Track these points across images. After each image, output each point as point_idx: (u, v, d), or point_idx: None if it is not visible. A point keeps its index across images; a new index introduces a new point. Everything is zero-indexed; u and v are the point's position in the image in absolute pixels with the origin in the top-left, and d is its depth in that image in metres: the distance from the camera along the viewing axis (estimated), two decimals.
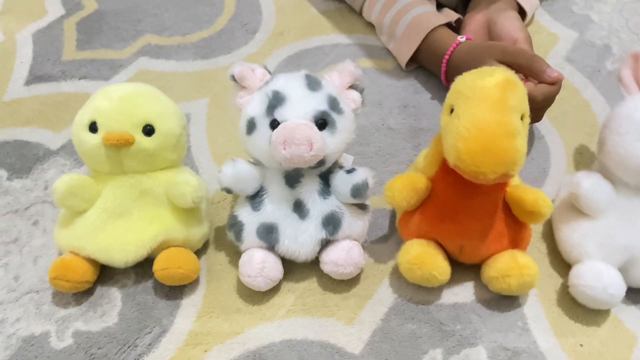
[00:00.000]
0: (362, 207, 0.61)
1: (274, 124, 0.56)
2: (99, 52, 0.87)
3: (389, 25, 0.83)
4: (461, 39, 0.74)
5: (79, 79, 0.83)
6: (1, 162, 0.74)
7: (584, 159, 0.73)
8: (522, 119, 0.52)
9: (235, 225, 0.60)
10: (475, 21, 0.79)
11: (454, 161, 0.51)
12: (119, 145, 0.56)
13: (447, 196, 0.57)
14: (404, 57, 0.80)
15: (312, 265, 0.62)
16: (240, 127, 0.59)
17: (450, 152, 0.51)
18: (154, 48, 0.88)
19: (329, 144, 0.56)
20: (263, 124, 0.56)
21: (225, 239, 0.65)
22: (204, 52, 0.87)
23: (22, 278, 0.63)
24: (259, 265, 0.58)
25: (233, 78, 0.59)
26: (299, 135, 0.54)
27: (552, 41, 0.88)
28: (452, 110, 0.53)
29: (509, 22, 0.75)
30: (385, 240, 0.65)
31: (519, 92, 0.52)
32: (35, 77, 0.84)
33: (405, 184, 0.57)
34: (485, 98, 0.51)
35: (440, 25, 0.77)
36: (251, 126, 0.57)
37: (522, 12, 0.84)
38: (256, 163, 0.60)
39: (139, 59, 0.86)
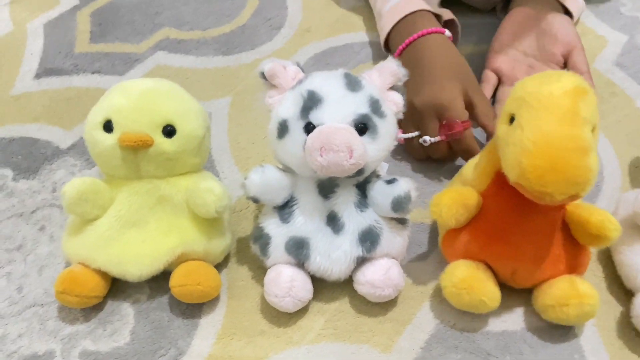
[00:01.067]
0: (402, 221, 0.55)
1: (309, 128, 0.50)
2: (114, 46, 0.82)
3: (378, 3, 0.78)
4: (447, 33, 0.69)
5: (92, 74, 0.78)
6: (7, 161, 0.68)
7: None
8: (592, 131, 0.46)
9: (261, 238, 0.55)
10: (523, 13, 0.73)
11: (517, 178, 0.45)
12: (136, 147, 0.51)
13: (500, 214, 0.51)
14: (383, 35, 0.75)
15: (344, 285, 0.56)
16: (269, 130, 0.54)
17: (512, 167, 0.45)
18: (172, 42, 0.83)
19: (369, 151, 0.50)
20: (296, 127, 0.51)
21: (248, 252, 0.59)
22: (225, 47, 0.82)
23: (25, 289, 0.57)
24: (287, 284, 0.53)
25: (263, 75, 0.54)
26: (338, 141, 0.48)
27: (600, 45, 0.82)
28: (511, 119, 0.47)
29: (564, 27, 0.70)
30: (424, 258, 0.59)
31: (590, 101, 0.46)
32: (45, 71, 0.79)
33: (455, 200, 0.51)
34: (553, 108, 0.44)
35: (427, 12, 0.71)
36: (283, 129, 0.51)
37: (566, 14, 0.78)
38: (286, 170, 0.54)
39: (156, 54, 0.81)
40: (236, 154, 0.69)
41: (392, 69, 0.54)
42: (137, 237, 0.53)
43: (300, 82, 0.53)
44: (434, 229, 0.62)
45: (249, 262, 0.59)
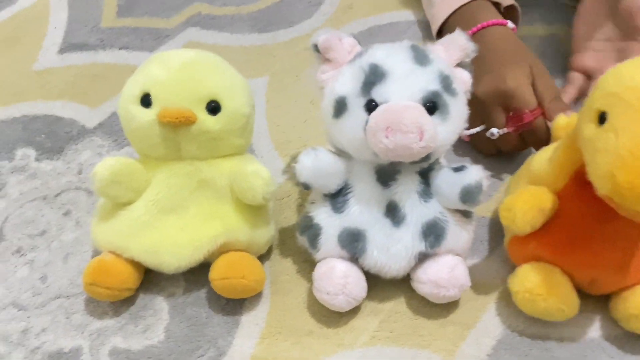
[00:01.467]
0: (467, 214, 0.50)
1: (371, 106, 0.45)
2: (143, 20, 0.77)
3: None
4: (510, 25, 0.62)
5: (119, 49, 0.73)
6: (29, 140, 0.63)
7: None
8: None
9: (310, 229, 0.49)
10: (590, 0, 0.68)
11: (607, 192, 0.38)
12: (178, 124, 0.45)
13: (579, 218, 0.45)
14: (436, 24, 0.67)
15: (399, 283, 0.50)
16: (323, 109, 0.48)
17: (603, 179, 0.38)
18: (205, 18, 0.77)
19: (439, 133, 0.45)
20: (356, 104, 0.45)
21: (292, 244, 0.54)
22: (261, 24, 0.76)
23: (50, 279, 0.52)
24: (340, 280, 0.47)
25: (316, 48, 0.49)
26: (408, 121, 0.42)
27: None
28: (601, 118, 0.39)
29: None
30: (487, 256, 0.54)
31: None
32: (70, 45, 0.73)
33: (530, 204, 0.44)
34: None
35: (486, 1, 0.64)
36: (340, 107, 0.46)
37: None
38: (340, 154, 0.49)
39: (187, 30, 0.75)
40: (275, 137, 0.64)
41: (460, 42, 0.48)
42: (175, 223, 0.48)
43: (359, 55, 0.47)
44: (494, 223, 0.57)
45: (293, 255, 0.54)
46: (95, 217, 0.50)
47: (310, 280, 0.52)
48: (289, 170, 0.49)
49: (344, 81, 0.46)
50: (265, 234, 0.51)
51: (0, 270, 0.53)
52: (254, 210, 0.50)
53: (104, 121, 0.65)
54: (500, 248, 0.54)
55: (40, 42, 0.74)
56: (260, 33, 0.75)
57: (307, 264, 0.53)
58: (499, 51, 0.58)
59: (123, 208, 0.48)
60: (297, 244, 0.53)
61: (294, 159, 0.49)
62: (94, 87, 0.69)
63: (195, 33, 0.75)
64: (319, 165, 0.47)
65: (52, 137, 0.63)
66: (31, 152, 0.62)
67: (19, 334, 0.49)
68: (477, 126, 0.57)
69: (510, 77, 0.55)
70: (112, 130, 0.64)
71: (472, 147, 0.61)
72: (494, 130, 0.56)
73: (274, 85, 0.69)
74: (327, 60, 0.49)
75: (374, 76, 0.45)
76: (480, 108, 0.56)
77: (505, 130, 0.55)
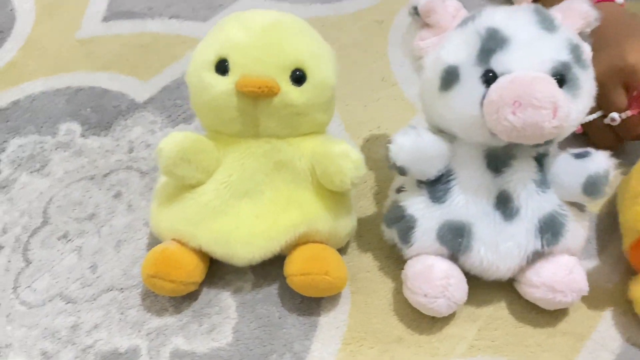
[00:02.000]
0: (582, 208, 0.43)
1: (489, 77, 0.38)
2: None
3: None
4: (618, 0, 0.54)
5: (169, 18, 0.66)
6: (74, 113, 0.57)
7: None
8: None
9: (401, 221, 0.43)
10: None
11: None
12: (260, 95, 0.39)
13: None
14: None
15: (500, 285, 0.44)
16: (424, 81, 0.42)
17: None
18: None
19: (571, 111, 0.39)
20: (470, 75, 0.38)
21: (370, 237, 0.48)
22: None
23: (100, 269, 0.47)
24: (441, 281, 0.41)
25: (415, 11, 0.42)
26: (540, 94, 0.36)
27: None
28: None
29: None
30: (597, 257, 0.47)
31: None
32: (115, 13, 0.67)
33: None
34: None
35: None
36: (450, 78, 0.39)
37: None
38: (441, 134, 0.43)
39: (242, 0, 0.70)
40: (346, 118, 0.57)
41: (581, 9, 0.41)
42: (249, 210, 0.42)
43: (471, 18, 0.41)
44: (602, 220, 0.50)
45: (373, 249, 0.48)
46: (155, 201, 0.44)
47: (394, 278, 0.46)
48: (387, 153, 0.43)
49: (454, 48, 0.40)
50: (347, 225, 0.45)
51: (45, 256, 0.47)
52: (336, 197, 0.44)
53: (155, 95, 0.59)
54: (611, 248, 0.47)
55: (83, 9, 0.68)
56: (323, 3, 0.68)
57: (390, 261, 0.47)
58: (614, 25, 0.50)
59: (190, 191, 0.42)
60: (377, 237, 0.47)
61: (388, 141, 0.43)
62: (142, 58, 0.62)
63: (251, 3, 0.68)
64: (420, 146, 0.41)
65: (99, 111, 0.57)
66: (76, 127, 0.56)
67: (68, 330, 0.43)
68: (593, 113, 0.50)
69: (631, 50, 0.48)
70: (165, 105, 0.58)
71: (585, 139, 0.53)
72: (615, 114, 0.48)
73: (341, 62, 0.61)
74: (426, 25, 0.43)
75: (493, 42, 0.38)
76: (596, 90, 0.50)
77: (628, 113, 0.48)
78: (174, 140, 0.41)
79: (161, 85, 0.59)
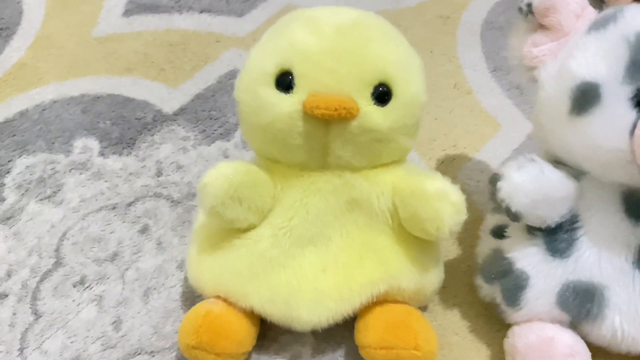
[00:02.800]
0: None
1: None
2: None
3: None
4: None
5: (200, 13, 0.58)
6: (91, 127, 0.49)
7: None
8: None
9: (508, 277, 0.34)
10: None
11: None
12: (334, 118, 0.31)
13: None
14: None
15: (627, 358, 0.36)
16: (545, 99, 0.33)
17: None
18: None
19: None
20: (617, 96, 0.29)
21: (456, 287, 0.39)
22: None
23: (126, 325, 0.38)
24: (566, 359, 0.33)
25: (528, 9, 0.34)
26: None
27: None
28: None
29: None
30: None
31: None
32: (138, 6, 0.58)
33: None
34: None
35: None
36: (587, 98, 0.30)
37: None
38: (560, 166, 0.34)
39: None
40: None
41: None
42: (314, 262, 0.33)
43: (610, 19, 0.31)
44: None
45: (461, 304, 0.39)
46: (194, 246, 0.36)
47: (490, 343, 0.37)
48: (490, 191, 0.34)
49: (590, 60, 0.31)
50: (435, 279, 0.35)
51: (58, 308, 0.39)
52: (422, 245, 0.35)
53: (186, 105, 0.50)
54: None
55: (101, 1, 0.59)
56: None
57: (483, 320, 0.38)
58: None
59: (239, 236, 0.34)
60: (464, 288, 0.39)
61: (495, 175, 0.34)
62: (170, 60, 0.53)
63: None
64: (542, 186, 0.31)
65: (120, 124, 0.49)
66: (94, 144, 0.48)
67: None
68: None
69: None
70: (198, 117, 0.49)
71: None
72: None
73: None
74: (542, 27, 0.34)
75: None
76: None
77: None
78: (222, 173, 0.32)
79: (193, 92, 0.51)
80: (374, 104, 0.32)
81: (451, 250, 0.41)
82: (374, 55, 0.31)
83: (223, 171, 0.32)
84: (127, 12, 0.58)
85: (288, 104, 0.31)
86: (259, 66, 0.32)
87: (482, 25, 0.56)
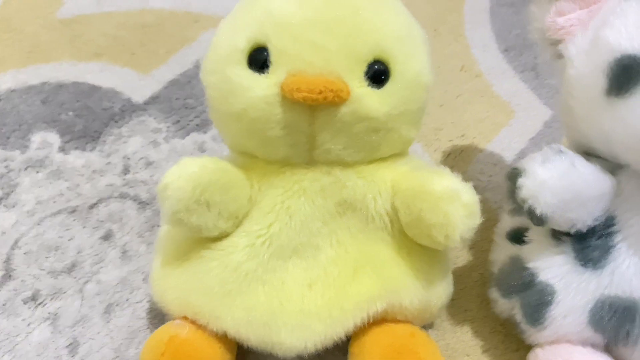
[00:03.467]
0: None
1: None
2: None
3: None
4: None
5: None
6: (52, 119, 0.43)
7: None
8: None
9: (530, 290, 0.28)
10: None
11: None
12: (319, 103, 0.26)
13: None
14: None
15: None
16: (574, 78, 0.27)
17: None
18: None
19: None
20: None
21: (467, 300, 0.34)
22: None
23: (83, 348, 0.32)
24: None
25: None
26: None
27: None
28: None
29: None
30: None
31: None
32: None
33: None
34: None
35: None
36: (631, 75, 0.24)
37: None
38: (593, 159, 0.29)
39: None
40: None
41: None
42: (299, 276, 0.28)
43: None
44: None
45: (472, 320, 0.33)
46: (158, 258, 0.30)
47: None
48: (509, 189, 0.29)
49: (633, 28, 0.26)
50: (442, 293, 0.30)
51: (5, 328, 0.33)
52: (429, 255, 0.29)
53: (158, 93, 0.45)
54: None
55: None
56: None
57: (497, 337, 0.33)
58: None
59: (209, 246, 0.28)
60: (476, 300, 0.34)
61: (514, 170, 0.29)
62: (143, 43, 0.49)
63: None
64: (574, 183, 0.26)
65: (85, 116, 0.43)
66: (54, 138, 0.42)
67: None
68: None
69: None
70: (172, 106, 0.44)
71: None
72: None
73: None
74: None
75: None
76: None
77: None
78: (186, 172, 0.27)
79: (167, 79, 0.46)
80: (369, 85, 0.26)
81: (461, 256, 0.36)
82: (367, 26, 0.26)
83: (187, 169, 0.27)
84: None
85: (263, 86, 0.26)
86: (228, 41, 0.27)
87: (491, 1, 0.50)
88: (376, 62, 0.26)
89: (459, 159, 0.41)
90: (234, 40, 0.27)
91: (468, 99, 0.44)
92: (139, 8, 0.51)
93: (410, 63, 0.27)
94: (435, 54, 0.47)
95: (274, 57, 0.26)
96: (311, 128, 0.26)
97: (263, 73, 0.26)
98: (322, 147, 0.27)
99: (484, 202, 0.37)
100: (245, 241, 0.28)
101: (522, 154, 0.41)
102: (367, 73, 0.26)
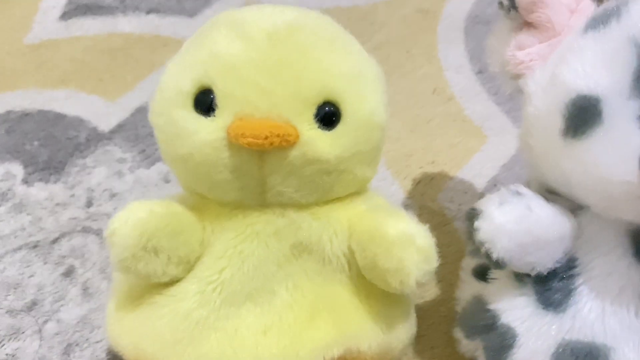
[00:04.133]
0: None
1: None
2: None
3: None
4: None
5: (147, 13, 0.52)
6: (15, 149, 0.42)
7: None
8: None
9: (491, 333, 0.28)
10: None
11: None
12: (266, 148, 0.25)
13: None
14: None
15: None
16: (533, 116, 0.27)
17: None
18: None
19: None
20: (622, 113, 0.23)
21: (434, 336, 0.33)
22: None
23: None
24: None
25: (511, 4, 0.28)
26: None
27: None
28: None
29: None
30: None
31: None
32: (77, 8, 0.53)
33: None
34: None
35: None
36: (585, 116, 0.24)
37: None
38: (553, 197, 0.28)
39: None
40: (387, 148, 0.42)
41: None
42: (253, 323, 0.27)
43: (613, 15, 0.25)
44: None
45: (440, 357, 0.34)
46: (113, 302, 0.29)
47: None
48: (467, 230, 0.28)
49: (587, 67, 0.25)
50: (403, 336, 0.29)
51: None
52: (388, 295, 0.28)
53: (124, 121, 0.44)
54: None
55: (36, 2, 0.53)
56: None
57: None
58: None
59: (161, 291, 0.27)
60: (443, 338, 0.33)
61: (472, 211, 0.28)
62: (111, 68, 0.48)
63: None
64: (531, 227, 0.25)
65: (50, 146, 0.42)
66: (17, 170, 0.41)
67: None
68: None
69: None
70: (137, 135, 0.43)
71: None
72: None
73: (383, 66, 0.48)
74: (528, 25, 0.28)
75: None
76: None
77: None
78: (133, 218, 0.26)
79: (133, 106, 0.45)
80: (319, 127, 0.25)
81: (429, 290, 0.36)
82: (316, 67, 0.25)
83: (134, 215, 0.26)
84: (66, 15, 0.51)
85: (209, 130, 0.25)
86: (174, 83, 0.26)
87: (466, 20, 0.50)
88: (326, 103, 0.26)
89: (428, 187, 0.40)
90: (179, 82, 0.26)
91: (440, 123, 0.43)
92: (107, 32, 0.50)
93: (362, 103, 0.26)
94: (406, 77, 0.47)
95: (219, 100, 0.25)
96: (261, 171, 0.26)
97: (209, 116, 0.25)
98: (274, 189, 0.26)
99: (453, 233, 0.37)
100: (196, 288, 0.27)
101: (493, 181, 0.40)
102: (316, 115, 0.25)
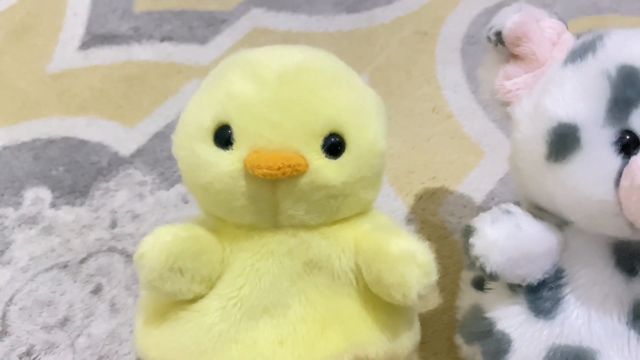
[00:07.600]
0: None
1: (626, 142, 0.26)
2: (190, 1, 0.59)
3: None
4: None
5: (161, 41, 0.54)
6: (43, 175, 0.45)
7: None
8: None
9: (488, 338, 0.30)
10: None
11: None
12: (279, 177, 0.28)
13: None
14: None
15: None
16: (520, 141, 0.29)
17: None
18: None
19: None
20: (598, 140, 0.26)
21: (437, 343, 0.35)
22: (349, 1, 0.58)
23: None
24: None
25: (498, 38, 0.30)
26: None
27: None
28: None
29: None
30: None
31: None
32: (95, 38, 0.55)
33: None
34: None
35: None
36: (565, 142, 0.26)
37: None
38: (546, 216, 0.30)
39: (250, 12, 0.56)
40: (389, 166, 0.45)
41: None
42: (270, 334, 0.29)
43: (589, 49, 0.27)
44: None
45: None
46: (140, 318, 0.32)
47: None
48: (464, 245, 0.30)
49: (567, 97, 0.27)
50: (408, 343, 0.31)
51: None
52: (393, 307, 0.30)
53: (144, 146, 0.46)
54: None
55: (56, 34, 0.56)
56: (349, 13, 0.56)
57: None
58: None
59: (185, 307, 0.30)
60: (446, 344, 0.35)
61: (467, 228, 0.31)
62: (128, 95, 0.50)
63: (261, 16, 0.56)
64: (520, 243, 0.28)
65: (74, 171, 0.45)
66: (45, 194, 0.44)
67: None
68: None
69: None
70: (156, 158, 0.45)
71: None
72: None
73: (378, 88, 0.49)
74: (514, 57, 0.30)
75: (632, 89, 0.26)
76: None
77: None
78: (160, 241, 0.28)
79: (151, 131, 0.47)
80: (326, 156, 0.28)
81: (432, 299, 0.38)
82: (322, 103, 0.28)
83: (161, 239, 0.29)
84: (84, 45, 0.54)
85: (228, 162, 0.28)
86: (195, 120, 0.29)
87: (462, 40, 0.52)
88: (332, 135, 0.28)
89: (429, 202, 0.42)
90: (200, 119, 0.29)
91: (439, 141, 0.45)
92: (123, 60, 0.52)
93: (365, 133, 0.29)
94: (407, 97, 0.49)
95: (236, 135, 0.28)
96: (274, 197, 0.28)
97: (227, 149, 0.28)
98: (286, 213, 0.29)
99: (453, 245, 0.39)
100: (218, 304, 0.30)
101: (491, 195, 0.43)
102: (323, 146, 0.28)
